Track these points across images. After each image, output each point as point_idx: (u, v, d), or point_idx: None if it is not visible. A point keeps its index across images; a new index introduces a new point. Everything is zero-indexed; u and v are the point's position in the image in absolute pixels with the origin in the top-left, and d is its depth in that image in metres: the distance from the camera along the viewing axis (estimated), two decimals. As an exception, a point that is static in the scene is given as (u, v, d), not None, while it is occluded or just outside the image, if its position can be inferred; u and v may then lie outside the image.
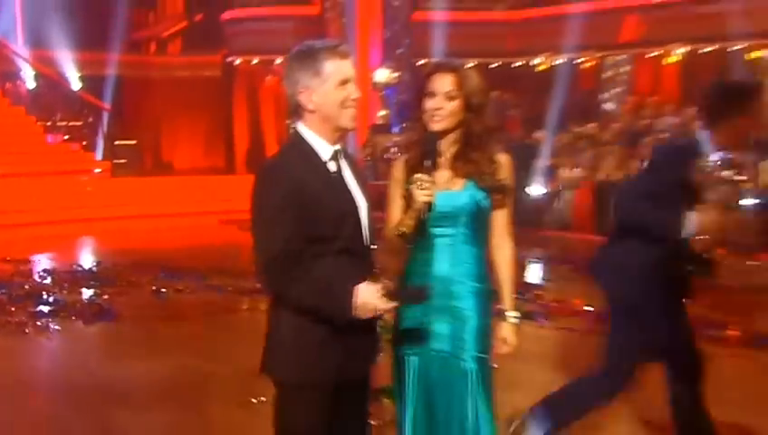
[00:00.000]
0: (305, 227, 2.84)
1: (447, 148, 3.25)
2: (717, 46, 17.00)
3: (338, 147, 2.97)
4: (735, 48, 16.48)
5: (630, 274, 4.14)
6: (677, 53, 17.94)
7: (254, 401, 4.82)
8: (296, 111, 2.98)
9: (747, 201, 4.13)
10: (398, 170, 3.28)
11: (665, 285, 4.15)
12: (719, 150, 3.99)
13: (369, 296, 2.77)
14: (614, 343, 4.32)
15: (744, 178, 4.07)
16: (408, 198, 3.14)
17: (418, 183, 3.05)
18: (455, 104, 3.20)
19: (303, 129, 2.96)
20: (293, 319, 2.93)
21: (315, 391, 2.96)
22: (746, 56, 16.83)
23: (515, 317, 3.36)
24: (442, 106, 3.19)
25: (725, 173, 4.00)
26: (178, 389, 6.08)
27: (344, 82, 2.89)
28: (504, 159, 3.30)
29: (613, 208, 4.67)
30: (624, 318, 4.26)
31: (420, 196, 3.04)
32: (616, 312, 4.33)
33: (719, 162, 3.95)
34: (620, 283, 4.22)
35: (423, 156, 3.16)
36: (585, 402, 4.41)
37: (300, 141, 2.96)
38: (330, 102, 2.89)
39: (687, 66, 18.34)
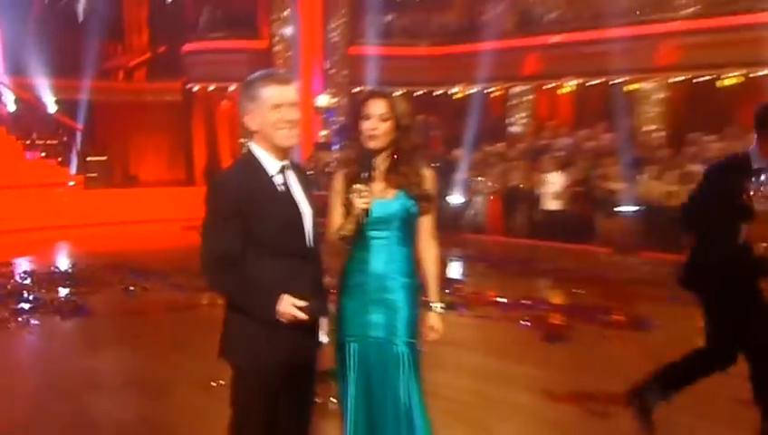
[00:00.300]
0: (250, 233, 2.85)
1: (381, 163, 3.26)
2: (602, 80, 17.28)
3: (285, 162, 2.98)
4: (616, 81, 16.80)
5: (718, 273, 4.25)
6: (570, 84, 18.28)
7: (213, 384, 4.75)
8: (248, 132, 3.00)
9: None
10: (338, 182, 3.29)
11: (744, 279, 4.23)
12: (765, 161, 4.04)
13: (287, 306, 2.82)
14: (718, 326, 4.39)
15: None
16: (348, 206, 3.18)
17: (358, 193, 3.09)
18: (387, 125, 3.22)
19: (255, 147, 2.97)
20: None
21: (264, 373, 2.94)
22: (625, 88, 17.18)
23: (441, 308, 3.39)
24: (377, 127, 3.21)
25: None
26: (147, 375, 6.00)
27: (278, 106, 2.89)
28: (428, 173, 3.33)
29: (681, 223, 4.80)
30: (721, 306, 4.33)
31: (359, 204, 3.09)
32: (715, 302, 4.39)
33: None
34: (712, 282, 4.32)
35: (360, 170, 3.18)
36: (696, 373, 4.54)
37: (250, 157, 2.97)
38: (266, 124, 2.91)
39: (578, 96, 18.71)
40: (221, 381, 4.71)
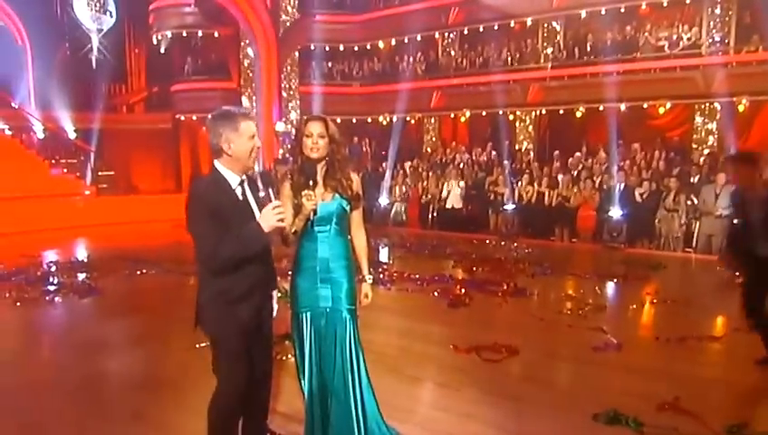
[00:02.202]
0: (221, 231, 2.81)
1: (320, 171, 3.22)
2: (490, 111, 17.51)
3: (243, 177, 2.96)
4: (501, 112, 17.06)
5: None
6: (466, 115, 18.47)
7: (197, 346, 4.60)
8: (217, 153, 2.92)
9: None
10: (286, 188, 3.23)
11: None
12: None
13: (269, 218, 2.79)
14: None
15: None
16: (298, 207, 3.12)
17: (307, 197, 3.06)
18: (324, 141, 3.19)
19: (219, 165, 2.92)
20: (213, 286, 2.88)
21: (227, 339, 2.91)
22: (509, 118, 17.45)
23: (371, 279, 3.39)
24: (317, 142, 3.17)
25: None
26: (145, 339, 5.84)
27: (252, 137, 2.91)
28: (355, 177, 3.30)
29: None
30: None
31: (309, 205, 3.06)
32: None
33: None
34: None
35: (305, 177, 3.14)
36: None
37: (216, 173, 2.92)
38: (243, 150, 2.89)
39: (472, 123, 18.92)
40: (203, 344, 4.68)
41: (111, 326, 6.40)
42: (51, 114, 19.52)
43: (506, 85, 16.73)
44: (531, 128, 17.60)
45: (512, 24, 17.24)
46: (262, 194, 2.88)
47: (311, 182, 3.11)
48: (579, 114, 15.93)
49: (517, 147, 17.09)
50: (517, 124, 17.68)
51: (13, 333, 6.16)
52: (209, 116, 2.92)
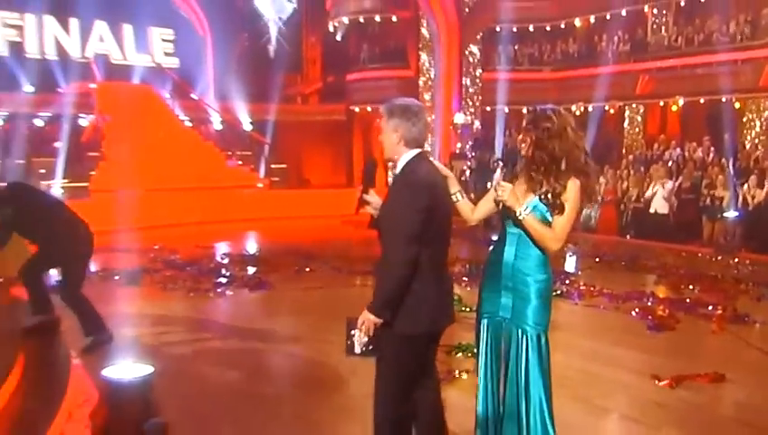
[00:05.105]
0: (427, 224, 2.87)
1: (523, 168, 3.20)
2: (709, 98, 16.18)
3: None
4: (724, 99, 15.61)
5: None
6: (679, 103, 17.24)
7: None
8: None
9: None
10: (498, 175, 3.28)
11: None
12: None
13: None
14: None
15: None
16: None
17: (500, 187, 3.04)
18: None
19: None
20: (415, 285, 2.90)
21: (417, 339, 2.96)
22: (734, 106, 15.96)
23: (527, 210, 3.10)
24: (527, 138, 3.11)
25: None
26: (308, 336, 6.23)
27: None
28: (572, 185, 3.04)
29: None
30: None
31: (497, 195, 3.06)
32: None
33: None
34: None
35: (511, 170, 3.19)
36: None
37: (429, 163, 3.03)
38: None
39: (685, 113, 17.62)
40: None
41: (277, 321, 6.88)
42: (228, 105, 21.34)
43: (733, 66, 15.30)
44: (762, 119, 15.92)
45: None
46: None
47: (506, 172, 3.11)
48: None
49: (744, 142, 15.57)
50: (746, 114, 16.09)
51: (184, 323, 6.80)
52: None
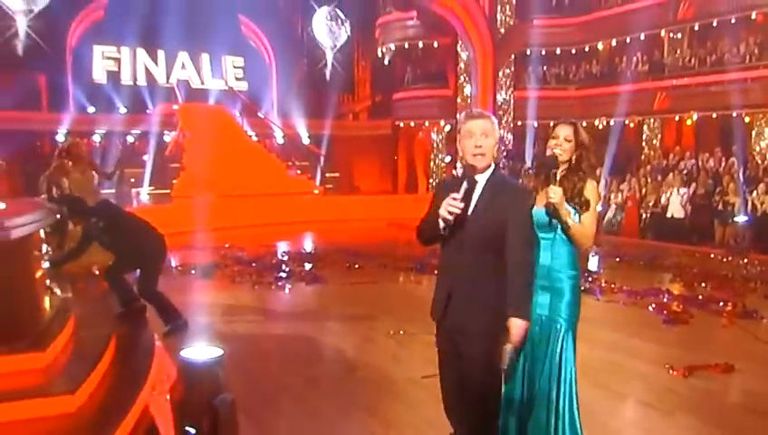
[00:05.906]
0: None
1: (559, 174, 2.99)
2: (721, 113, 15.60)
3: (469, 176, 2.79)
4: (734, 114, 15.09)
5: None
6: (693, 118, 16.67)
7: (401, 332, 4.79)
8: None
9: None
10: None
11: None
12: None
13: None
14: None
15: None
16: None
17: (552, 190, 2.90)
18: (570, 145, 3.02)
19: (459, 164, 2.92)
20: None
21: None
22: (743, 120, 15.38)
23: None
24: (562, 144, 3.01)
25: None
26: (357, 323, 6.22)
27: (470, 136, 2.81)
28: (591, 185, 3.00)
29: None
30: None
31: (549, 195, 2.93)
32: None
33: None
34: None
35: (545, 178, 2.99)
36: None
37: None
38: (463, 149, 2.85)
39: (699, 127, 17.03)
40: (402, 332, 5.14)
41: (330, 312, 6.91)
42: (289, 122, 21.59)
43: (743, 84, 14.76)
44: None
45: (753, 16, 15.18)
46: (460, 194, 2.73)
47: (542, 178, 3.03)
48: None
49: (753, 153, 14.99)
50: (755, 128, 15.49)
51: (249, 311, 6.91)
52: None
